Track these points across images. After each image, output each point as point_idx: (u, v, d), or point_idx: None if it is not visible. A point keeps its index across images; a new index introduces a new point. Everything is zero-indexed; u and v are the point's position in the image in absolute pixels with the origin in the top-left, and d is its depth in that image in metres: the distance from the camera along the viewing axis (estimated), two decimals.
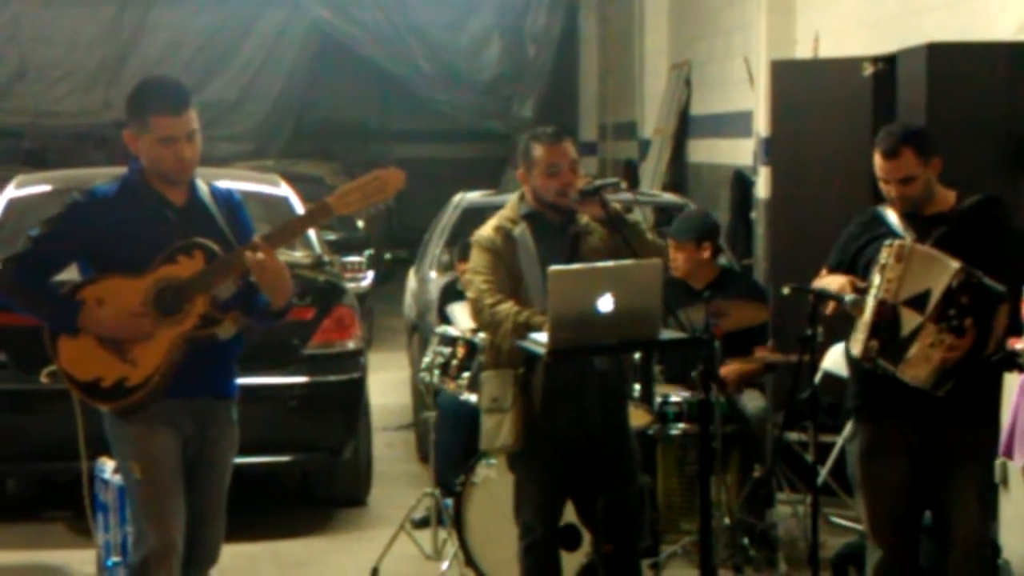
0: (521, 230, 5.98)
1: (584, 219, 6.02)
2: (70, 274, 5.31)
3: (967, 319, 5.29)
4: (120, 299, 5.10)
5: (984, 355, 5.38)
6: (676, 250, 7.79)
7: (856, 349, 5.50)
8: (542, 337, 5.54)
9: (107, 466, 7.10)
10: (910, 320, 5.36)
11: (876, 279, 5.43)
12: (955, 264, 5.30)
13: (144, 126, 5.17)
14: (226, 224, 5.28)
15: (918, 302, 5.35)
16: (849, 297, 5.53)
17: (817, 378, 7.67)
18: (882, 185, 5.60)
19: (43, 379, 5.61)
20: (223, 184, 5.53)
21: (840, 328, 5.79)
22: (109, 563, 7.12)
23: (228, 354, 5.32)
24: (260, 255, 5.06)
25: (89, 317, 5.11)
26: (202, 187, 5.34)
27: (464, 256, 9.02)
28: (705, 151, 15.67)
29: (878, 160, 5.56)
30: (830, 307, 5.62)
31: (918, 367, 5.34)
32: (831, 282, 5.67)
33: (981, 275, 5.30)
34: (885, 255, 5.41)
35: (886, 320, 5.39)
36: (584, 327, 5.45)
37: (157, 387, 5.11)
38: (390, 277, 17.07)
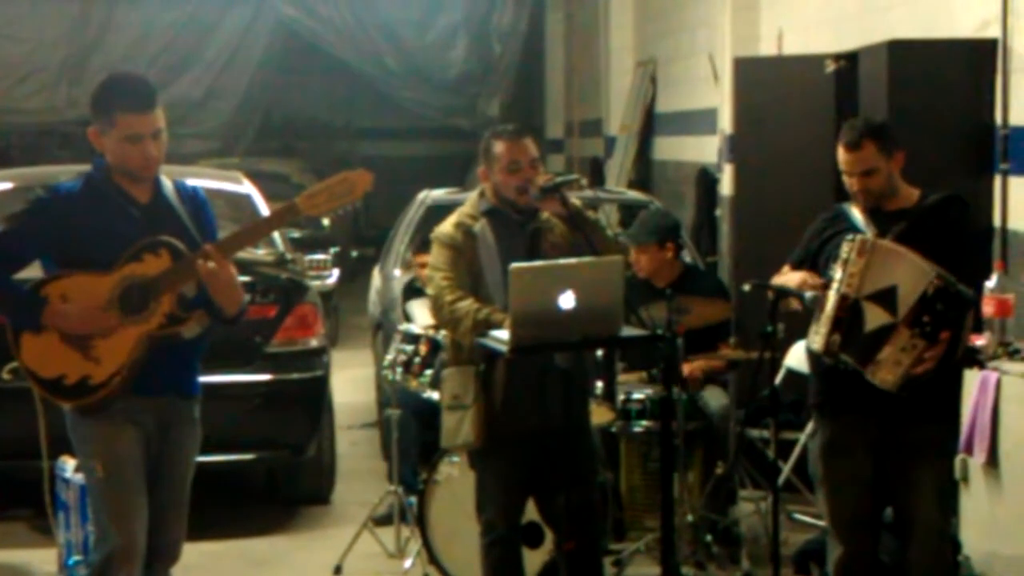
0: (481, 226, 5.98)
1: (544, 216, 6.02)
2: (33, 271, 5.27)
3: (942, 330, 5.30)
4: (85, 296, 5.07)
5: (953, 361, 5.41)
6: (639, 252, 7.79)
7: (817, 344, 5.52)
8: (503, 334, 5.53)
9: (68, 465, 7.08)
10: (874, 316, 5.38)
11: (838, 273, 5.45)
12: (932, 270, 5.31)
13: (110, 123, 5.14)
14: (191, 222, 5.25)
15: (883, 298, 5.37)
16: (809, 293, 5.55)
17: (780, 375, 7.70)
18: (845, 179, 5.62)
19: (4, 376, 5.59)
20: (191, 183, 5.51)
21: (801, 325, 5.81)
22: (70, 562, 7.10)
23: (192, 353, 5.30)
24: (211, 264, 5.03)
25: (53, 313, 5.08)
26: (167, 184, 5.31)
27: (420, 250, 9.04)
28: (670, 148, 15.69)
29: (841, 153, 5.59)
30: (793, 303, 5.63)
31: (887, 371, 5.35)
32: (790, 279, 5.68)
33: (956, 282, 5.32)
34: (847, 249, 5.43)
35: (848, 314, 5.41)
36: (545, 324, 5.45)
37: (120, 385, 5.09)
38: (356, 275, 17.06)
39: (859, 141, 5.55)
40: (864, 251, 5.41)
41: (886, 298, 5.37)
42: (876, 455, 5.58)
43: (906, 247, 5.40)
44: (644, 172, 16.42)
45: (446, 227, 6.03)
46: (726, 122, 11.61)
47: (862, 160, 5.54)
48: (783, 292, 5.68)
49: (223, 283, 5.08)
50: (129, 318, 5.08)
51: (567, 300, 5.43)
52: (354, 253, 18.11)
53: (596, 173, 17.60)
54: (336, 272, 15.02)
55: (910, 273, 5.34)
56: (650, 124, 16.45)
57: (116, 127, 5.13)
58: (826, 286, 5.49)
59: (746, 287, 5.96)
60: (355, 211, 19.81)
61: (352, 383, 11.65)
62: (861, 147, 5.54)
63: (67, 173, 6.46)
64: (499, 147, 6.00)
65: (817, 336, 5.51)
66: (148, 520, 5.17)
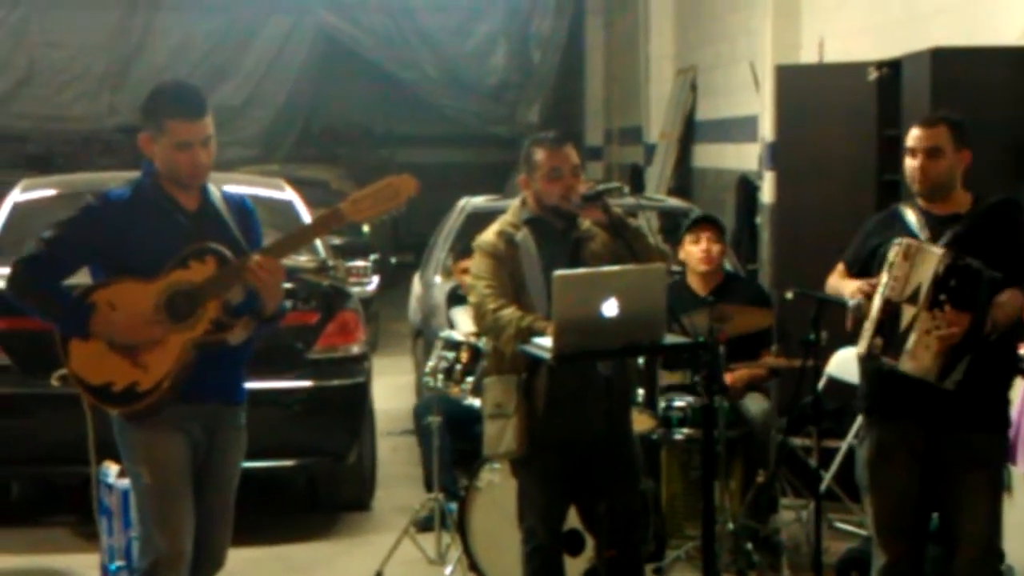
0: (523, 235, 5.98)
1: (586, 224, 6.02)
2: (81, 278, 5.30)
3: (960, 305, 5.30)
4: (132, 303, 5.09)
5: (983, 336, 5.37)
6: (694, 243, 7.75)
7: (861, 347, 5.52)
8: (546, 342, 5.53)
9: (111, 470, 7.12)
10: (907, 314, 5.38)
11: (884, 277, 5.45)
12: (939, 250, 5.32)
13: (160, 130, 5.17)
14: (238, 230, 5.28)
15: (914, 296, 5.38)
16: (852, 301, 5.55)
17: (821, 383, 7.67)
18: (908, 162, 5.60)
19: (54, 382, 5.60)
20: (234, 189, 5.53)
21: (843, 333, 5.80)
22: (113, 567, 7.13)
23: (238, 359, 5.31)
24: (261, 266, 5.06)
25: (101, 322, 5.10)
26: (214, 192, 5.34)
27: (461, 256, 9.06)
28: (710, 156, 15.67)
29: (913, 130, 5.60)
30: (849, 318, 5.61)
31: (919, 357, 5.35)
32: (845, 286, 5.66)
33: (966, 257, 5.31)
34: (893, 253, 5.44)
35: (889, 318, 5.41)
36: (588, 332, 5.44)
37: (168, 392, 5.11)
38: (395, 281, 17.08)
39: (935, 121, 5.59)
40: (909, 255, 5.41)
41: (916, 295, 5.38)
42: (924, 463, 5.55)
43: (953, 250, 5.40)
44: (684, 179, 16.41)
45: (488, 236, 6.04)
46: (767, 130, 11.59)
47: (932, 137, 5.54)
48: (826, 300, 5.67)
49: (272, 286, 5.11)
50: (175, 325, 5.10)
51: (610, 308, 5.43)
52: (393, 260, 18.14)
53: (636, 180, 17.59)
54: (376, 279, 15.05)
55: (929, 262, 5.35)
56: (690, 131, 16.43)
57: (167, 134, 5.15)
58: (871, 292, 5.49)
59: (789, 295, 5.95)
60: (394, 218, 19.86)
61: (392, 390, 11.67)
62: (935, 126, 5.57)
63: (109, 180, 6.49)
64: (540, 155, 6.00)
65: (862, 340, 5.51)
66: (194, 526, 5.19)
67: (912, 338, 5.36)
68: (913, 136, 5.60)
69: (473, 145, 24.31)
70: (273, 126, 22.47)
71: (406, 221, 21.24)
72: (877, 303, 5.45)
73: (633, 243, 5.88)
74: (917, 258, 5.39)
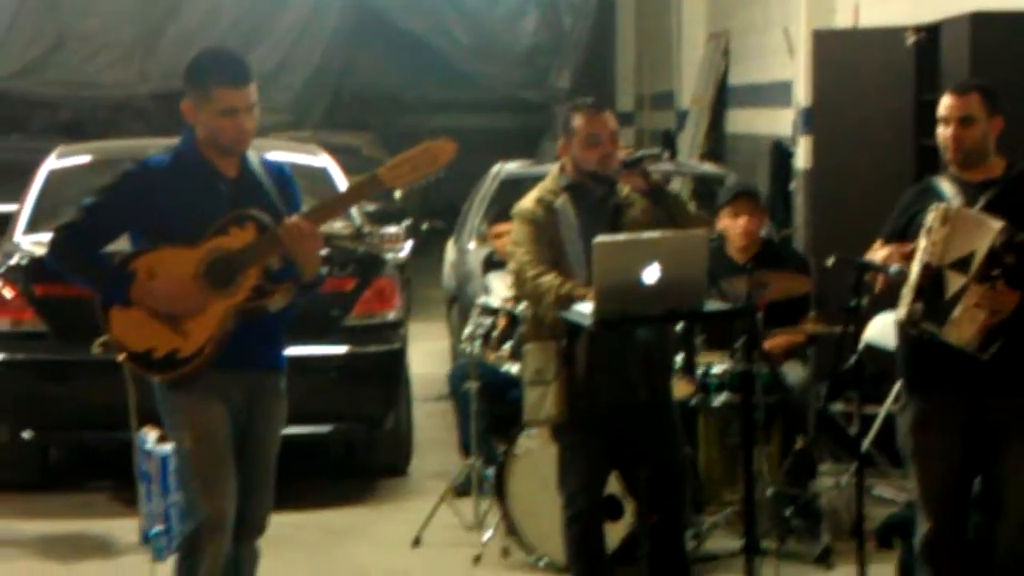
0: (562, 202, 5.97)
1: (625, 190, 6.01)
2: (121, 246, 5.30)
3: (1013, 282, 5.27)
4: (172, 271, 5.10)
5: None
6: (733, 217, 7.72)
7: (901, 312, 5.49)
8: (586, 308, 5.53)
9: (150, 436, 7.14)
10: (954, 282, 5.36)
11: (922, 242, 5.42)
12: (997, 224, 5.29)
13: (206, 97, 5.16)
14: (277, 197, 5.27)
15: (963, 265, 5.35)
16: (894, 268, 5.52)
17: (858, 349, 7.64)
18: (940, 130, 5.57)
19: (95, 349, 5.61)
20: (271, 156, 5.53)
21: (883, 300, 5.77)
22: (152, 533, 7.15)
23: (277, 326, 5.32)
24: (300, 229, 5.05)
25: (141, 290, 5.10)
26: (253, 159, 5.34)
27: (494, 222, 9.06)
28: (743, 121, 15.61)
29: (945, 99, 5.58)
30: (879, 282, 5.60)
31: (963, 328, 5.33)
32: (877, 254, 5.65)
33: (1022, 234, 5.29)
34: (931, 218, 5.41)
35: (930, 283, 5.38)
36: (629, 298, 5.44)
37: (209, 359, 5.11)
38: (426, 248, 17.07)
39: (967, 88, 5.57)
40: (947, 219, 5.38)
41: (964, 264, 5.35)
42: (966, 430, 5.54)
43: (993, 215, 5.37)
44: (716, 145, 16.34)
45: (527, 203, 6.03)
46: (801, 95, 11.54)
47: (965, 105, 5.52)
48: (867, 266, 5.65)
49: (310, 252, 5.10)
50: (216, 292, 5.11)
51: (651, 274, 5.42)
52: (424, 226, 18.12)
53: (668, 146, 17.53)
54: (409, 245, 15.03)
55: (983, 234, 5.32)
56: (722, 97, 16.36)
57: (212, 101, 5.15)
58: (910, 257, 5.47)
59: (829, 261, 5.91)
60: (427, 184, 19.78)
61: (426, 355, 11.67)
62: (967, 93, 5.54)
63: (144, 147, 6.49)
64: (578, 120, 5.99)
65: (902, 306, 5.49)
66: (236, 492, 5.20)
67: (959, 309, 5.33)
68: (945, 105, 5.58)
69: (504, 111, 24.23)
70: (304, 92, 22.40)
71: (436, 187, 21.20)
72: (916, 268, 5.43)
73: (673, 209, 5.88)
74: (959, 223, 5.37)
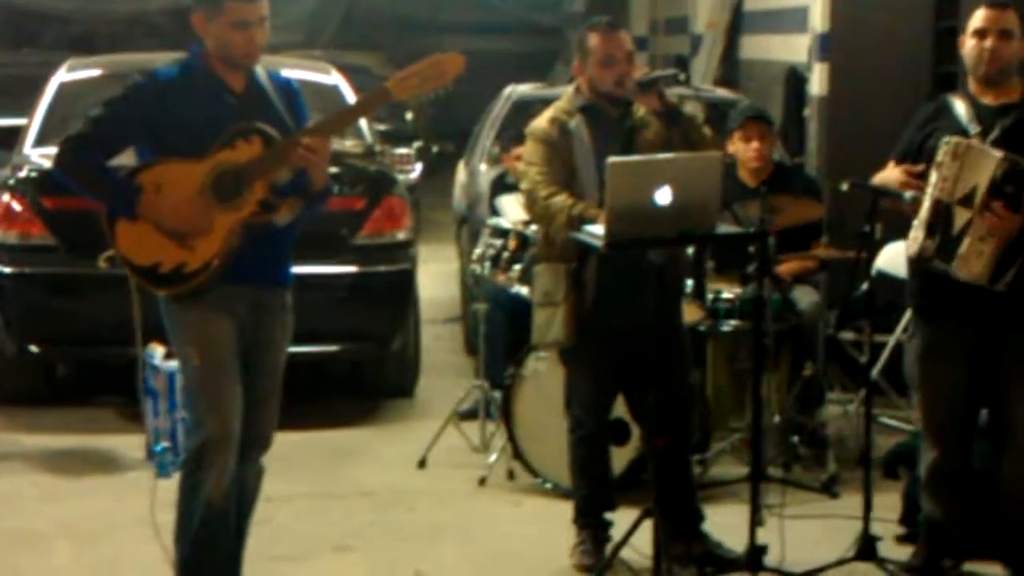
0: (577, 122, 5.92)
1: (640, 112, 5.95)
2: (127, 159, 5.25)
3: (1013, 209, 5.24)
4: (178, 184, 5.05)
5: None
6: (745, 140, 7.64)
7: (912, 248, 5.46)
8: (598, 229, 5.48)
9: (157, 352, 7.13)
10: (960, 217, 5.32)
11: (933, 177, 5.37)
12: (998, 154, 5.24)
13: (219, 9, 5.11)
14: (285, 111, 5.22)
15: (968, 200, 5.31)
16: (909, 194, 5.48)
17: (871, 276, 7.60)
18: (974, 44, 5.50)
19: (101, 264, 5.58)
20: (286, 74, 5.47)
21: (896, 226, 5.73)
22: (158, 448, 7.17)
23: (283, 241, 5.27)
24: (308, 148, 5.01)
25: (147, 205, 5.06)
26: (261, 74, 5.29)
27: (508, 145, 8.98)
28: (758, 47, 15.46)
29: (982, 12, 5.53)
30: (888, 202, 5.56)
31: (972, 262, 5.31)
32: (889, 176, 5.60)
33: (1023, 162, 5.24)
34: (942, 154, 5.37)
35: (941, 219, 5.34)
36: (641, 219, 5.38)
37: (215, 273, 5.07)
38: (436, 170, 17.00)
39: (1006, 3, 5.53)
40: (958, 154, 5.34)
41: (969, 199, 5.30)
42: (973, 361, 5.53)
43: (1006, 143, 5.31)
44: (730, 71, 16.21)
45: (541, 122, 5.97)
46: (817, 20, 11.42)
47: (1004, 19, 5.49)
48: (882, 192, 5.60)
49: (318, 165, 5.06)
50: (222, 206, 5.06)
51: (664, 196, 5.36)
52: (435, 148, 18.04)
53: (681, 71, 17.40)
54: (419, 166, 14.96)
55: (986, 165, 5.27)
56: (737, 22, 16.21)
57: (225, 13, 5.09)
58: (921, 177, 5.42)
59: (844, 186, 5.86)
60: (435, 103, 19.68)
61: (434, 278, 11.65)
62: (1006, 8, 5.51)
63: (154, 60, 6.39)
64: (594, 40, 5.93)
65: (913, 242, 5.45)
66: (242, 408, 5.17)
67: (965, 243, 5.30)
68: (982, 17, 5.52)
69: (517, 33, 24.09)
70: (316, 12, 22.29)
71: (447, 110, 21.11)
72: (927, 204, 5.39)
73: (688, 132, 5.82)
74: (968, 158, 5.32)
